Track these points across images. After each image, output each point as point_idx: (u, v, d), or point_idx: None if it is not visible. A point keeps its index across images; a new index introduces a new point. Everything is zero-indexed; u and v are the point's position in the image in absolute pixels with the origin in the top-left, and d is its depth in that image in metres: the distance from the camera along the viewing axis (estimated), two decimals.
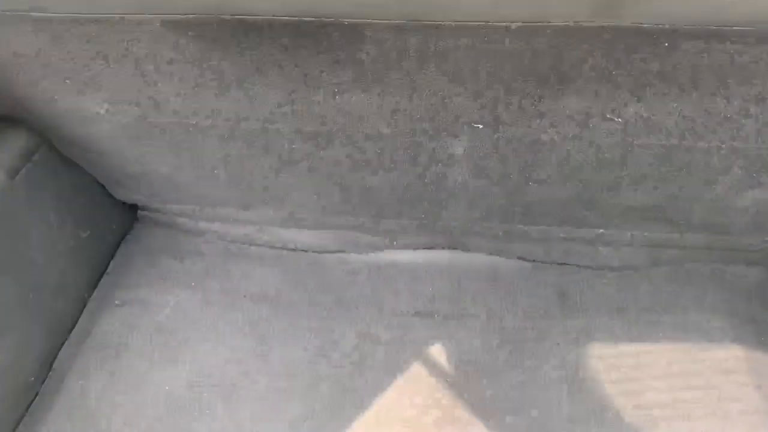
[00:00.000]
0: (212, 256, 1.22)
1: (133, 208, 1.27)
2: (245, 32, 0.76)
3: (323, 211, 1.12)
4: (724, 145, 0.83)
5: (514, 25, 0.71)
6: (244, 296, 1.15)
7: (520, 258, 1.20)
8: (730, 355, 1.03)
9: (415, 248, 1.22)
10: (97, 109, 0.87)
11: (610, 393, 0.99)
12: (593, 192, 0.98)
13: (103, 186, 1.16)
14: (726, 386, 0.99)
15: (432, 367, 1.05)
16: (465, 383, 1.02)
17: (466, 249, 1.21)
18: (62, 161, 1.04)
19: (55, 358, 1.03)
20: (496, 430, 0.96)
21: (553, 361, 1.04)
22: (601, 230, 1.10)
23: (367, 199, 1.07)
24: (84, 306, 1.11)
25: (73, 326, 1.08)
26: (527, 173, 0.95)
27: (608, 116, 0.80)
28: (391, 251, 1.23)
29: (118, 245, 1.22)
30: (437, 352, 1.07)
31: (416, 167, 0.96)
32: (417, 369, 1.05)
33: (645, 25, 0.70)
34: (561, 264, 1.18)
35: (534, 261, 1.20)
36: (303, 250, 1.23)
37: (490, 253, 1.21)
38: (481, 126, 0.84)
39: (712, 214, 1.01)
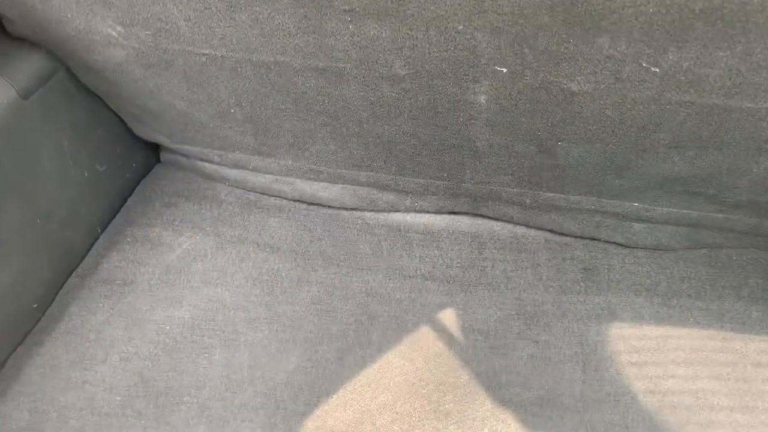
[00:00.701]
0: (230, 203, 1.20)
1: (156, 150, 1.26)
2: None
3: (342, 163, 1.08)
4: None
5: None
6: (258, 245, 1.12)
7: (546, 230, 1.13)
8: (766, 348, 0.94)
9: (436, 212, 1.17)
10: (109, 31, 0.85)
11: (628, 375, 0.92)
12: (627, 157, 0.90)
13: (124, 123, 1.15)
14: (757, 380, 0.91)
15: (440, 332, 1.00)
16: (473, 352, 0.97)
17: (489, 216, 1.15)
18: (80, 90, 1.02)
19: (60, 288, 1.03)
20: (501, 401, 0.90)
21: (570, 337, 0.98)
22: (636, 204, 1.02)
23: (387, 152, 1.02)
24: (95, 240, 1.10)
25: (82, 259, 1.07)
26: (556, 130, 0.88)
27: (644, 64, 0.72)
28: (410, 214, 1.18)
29: (137, 184, 1.21)
30: (448, 317, 1.02)
31: (436, 117, 0.90)
32: (424, 333, 1.00)
33: None
34: (591, 239, 1.11)
35: (562, 234, 1.13)
36: (320, 205, 1.19)
37: (515, 223, 1.14)
38: (504, 70, 0.78)
39: (759, 191, 0.91)
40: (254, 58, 0.85)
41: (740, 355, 0.94)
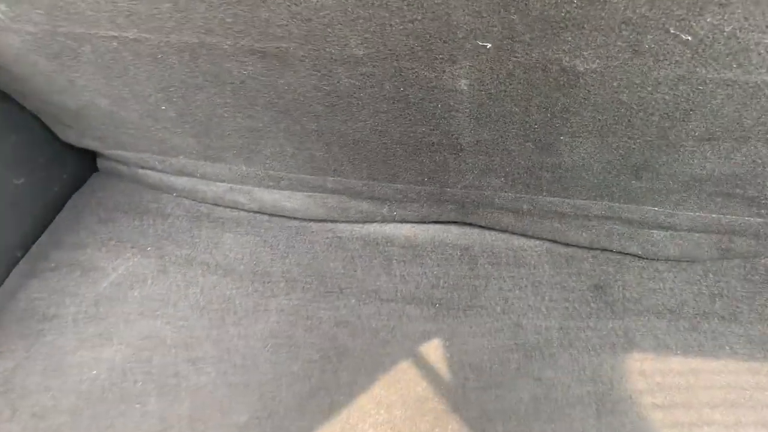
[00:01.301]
0: (177, 217, 1.02)
1: (92, 158, 1.09)
2: None
3: (303, 168, 0.91)
4: None
5: None
6: (208, 266, 0.95)
7: (548, 240, 0.96)
8: None
9: (419, 221, 0.99)
10: None
11: (653, 421, 0.75)
12: (646, 153, 0.72)
13: (48, 128, 0.97)
14: None
15: (424, 369, 0.83)
16: (463, 393, 0.80)
17: (481, 225, 0.97)
18: None
19: None
20: None
21: (581, 373, 0.80)
22: (656, 208, 0.84)
23: (354, 153, 0.85)
24: (13, 266, 0.93)
25: None
26: (557, 122, 0.70)
27: (672, 31, 0.55)
28: (389, 224, 1.00)
29: (68, 198, 1.04)
30: (433, 351, 0.85)
31: (408, 109, 0.73)
32: (405, 371, 0.83)
33: None
34: (601, 250, 0.93)
35: (567, 245, 0.95)
36: (283, 216, 1.02)
37: (512, 232, 0.97)
38: (488, 45, 0.60)
39: None
40: (173, 40, 0.68)
41: None
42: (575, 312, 0.87)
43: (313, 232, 1.00)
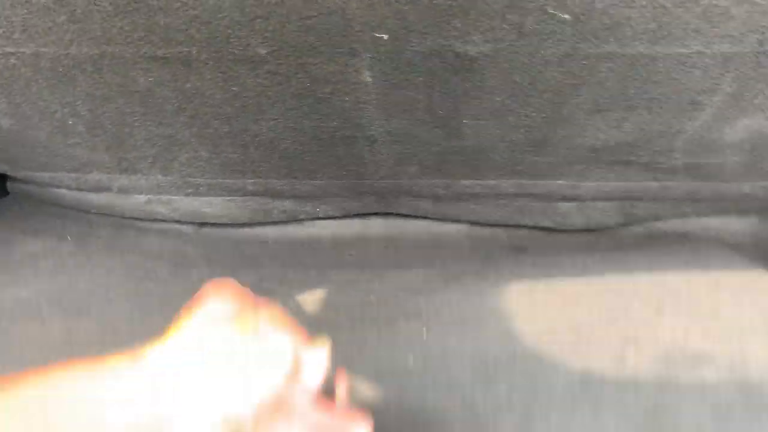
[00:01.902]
0: (94, 236, 1.00)
1: (2, 181, 1.05)
2: None
3: (221, 172, 0.91)
4: (709, 51, 0.63)
5: None
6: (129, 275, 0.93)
7: (467, 222, 1.00)
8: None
9: (343, 216, 1.01)
10: None
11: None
12: (544, 129, 0.77)
13: None
14: None
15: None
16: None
17: (402, 214, 1.00)
18: None
19: None
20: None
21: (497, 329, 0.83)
22: (561, 181, 0.89)
23: (270, 153, 0.86)
24: None
25: None
26: (459, 106, 0.74)
27: (550, 10, 0.59)
28: (315, 223, 1.02)
29: None
30: None
31: (318, 104, 0.74)
32: None
33: None
34: (515, 227, 0.98)
35: (485, 225, 0.99)
36: (207, 224, 1.01)
37: (432, 218, 1.00)
38: (385, 36, 0.63)
39: (696, 152, 0.80)
40: (74, 52, 0.67)
41: None
42: (492, 278, 0.90)
43: (237, 239, 1.00)
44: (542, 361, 0.71)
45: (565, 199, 0.92)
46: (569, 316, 0.77)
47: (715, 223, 0.96)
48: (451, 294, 0.81)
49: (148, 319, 0.85)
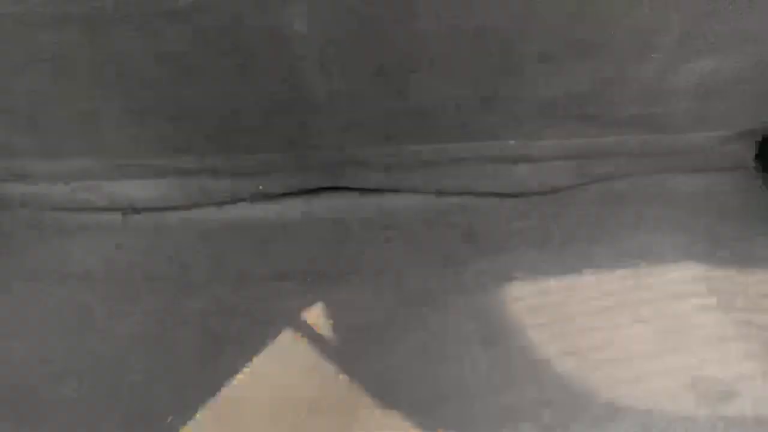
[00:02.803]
0: (18, 230, 0.92)
1: None
2: None
3: (152, 150, 0.85)
4: None
5: None
6: (59, 278, 0.86)
7: (420, 193, 0.95)
8: (684, 276, 0.82)
9: (287, 193, 0.95)
10: None
11: (537, 340, 0.76)
12: (493, 82, 0.74)
13: None
14: (682, 314, 0.78)
15: (310, 339, 0.80)
16: (353, 354, 0.77)
17: (353, 188, 0.96)
18: None
19: None
20: (393, 406, 0.71)
21: (465, 313, 0.80)
22: (513, 141, 0.86)
23: (203, 124, 0.80)
24: None
25: None
26: (404, 59, 0.70)
27: None
28: (258, 204, 0.96)
29: None
30: (316, 320, 0.81)
31: (252, 64, 0.69)
32: (289, 345, 0.79)
33: None
34: (470, 195, 0.94)
35: (438, 195, 0.95)
36: (140, 210, 0.94)
37: (384, 190, 0.96)
38: None
39: (645, 101, 0.78)
40: None
41: (656, 290, 0.81)
42: (452, 260, 0.87)
43: (174, 223, 0.94)
44: None
45: (520, 160, 0.89)
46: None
47: (668, 180, 0.95)
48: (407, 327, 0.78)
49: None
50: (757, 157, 0.95)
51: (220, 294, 0.84)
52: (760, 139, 0.92)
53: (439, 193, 0.95)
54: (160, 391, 0.74)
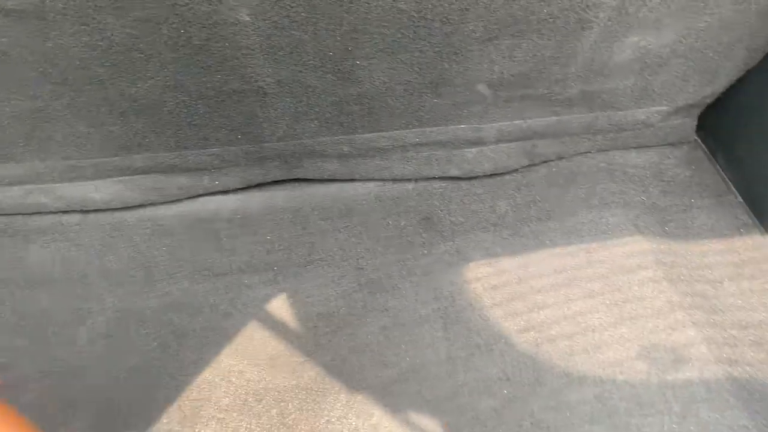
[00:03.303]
0: None
1: None
2: None
3: (104, 149, 0.84)
4: None
5: None
6: (16, 284, 0.85)
7: (376, 179, 0.97)
8: (633, 250, 0.85)
9: (244, 186, 0.96)
10: None
11: (494, 318, 0.78)
12: (438, 66, 0.75)
13: None
14: (631, 286, 0.80)
15: (273, 329, 0.80)
16: (315, 341, 0.78)
17: (309, 179, 0.96)
18: None
19: None
20: (357, 389, 0.72)
21: (424, 295, 0.82)
22: (463, 125, 0.88)
23: (154, 120, 0.80)
24: None
25: None
26: (349, 44, 0.71)
27: None
28: (214, 198, 0.96)
29: None
30: (278, 310, 0.82)
31: (198, 54, 0.69)
32: (252, 336, 0.79)
33: None
34: (424, 180, 0.96)
35: (394, 181, 0.96)
36: (96, 211, 0.94)
37: (341, 180, 0.97)
38: None
39: (589, 77, 0.81)
40: None
41: (607, 264, 0.83)
42: (409, 245, 0.88)
43: (130, 224, 0.93)
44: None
45: (471, 143, 0.90)
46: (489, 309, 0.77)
47: (615, 157, 0.97)
48: (367, 310, 0.79)
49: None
50: (698, 130, 0.99)
51: (181, 290, 0.83)
52: (699, 113, 0.96)
53: (394, 179, 0.96)
54: (123, 393, 0.73)
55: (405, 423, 0.69)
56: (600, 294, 0.79)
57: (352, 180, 0.96)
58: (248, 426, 0.69)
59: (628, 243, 0.85)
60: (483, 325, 0.77)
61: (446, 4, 0.66)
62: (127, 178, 0.90)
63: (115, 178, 0.90)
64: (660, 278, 0.80)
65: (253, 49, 0.70)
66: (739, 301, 0.78)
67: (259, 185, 0.96)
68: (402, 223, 0.92)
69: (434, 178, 0.95)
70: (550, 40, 0.72)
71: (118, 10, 0.62)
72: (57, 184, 0.90)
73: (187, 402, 0.72)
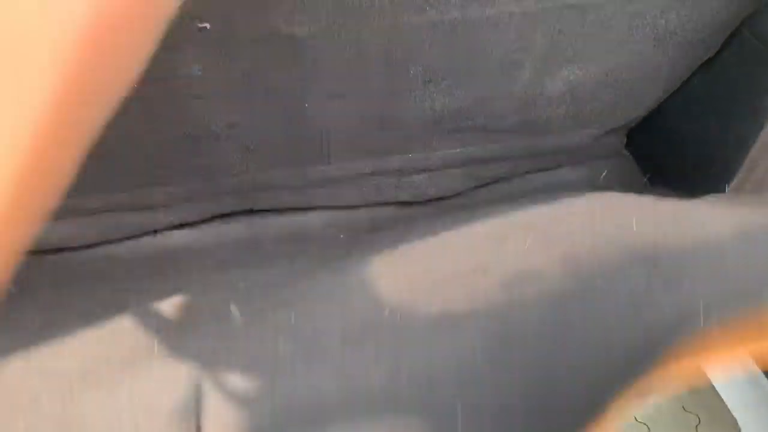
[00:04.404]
0: None
1: None
2: None
3: None
4: (518, 10, 0.67)
5: None
6: None
7: (329, 207, 1.00)
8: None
9: (199, 219, 0.98)
10: None
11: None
12: (384, 103, 0.79)
13: None
14: None
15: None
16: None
17: (260, 208, 0.99)
18: None
19: None
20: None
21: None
22: (410, 155, 0.92)
23: (106, 161, 0.81)
24: None
25: None
26: (297, 90, 0.74)
27: None
28: (171, 233, 0.97)
29: None
30: None
31: (149, 106, 0.71)
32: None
33: None
34: (373, 206, 1.00)
35: (347, 208, 1.00)
36: (47, 252, 0.94)
37: (296, 209, 1.00)
38: (208, 26, 0.62)
39: (525, 109, 0.86)
40: None
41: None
42: (358, 242, 0.92)
43: (87, 260, 0.94)
44: (405, 316, 0.72)
45: (418, 171, 0.95)
46: (425, 270, 0.78)
47: (552, 177, 1.04)
48: (317, 279, 0.81)
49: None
50: (627, 144, 1.07)
51: (140, 332, 0.85)
52: (627, 132, 1.03)
53: (348, 207, 1.00)
54: None
55: None
56: None
57: (305, 209, 0.99)
58: None
59: None
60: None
61: (388, 53, 0.70)
62: (80, 218, 0.91)
63: (70, 219, 0.91)
64: None
65: (205, 98, 0.72)
66: None
67: (213, 217, 0.98)
68: (349, 245, 0.96)
69: (385, 203, 0.99)
70: (486, 81, 0.77)
71: None
72: None
73: None
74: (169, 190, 0.90)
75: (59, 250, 0.94)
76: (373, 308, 0.74)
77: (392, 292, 0.75)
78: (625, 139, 1.04)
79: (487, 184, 1.01)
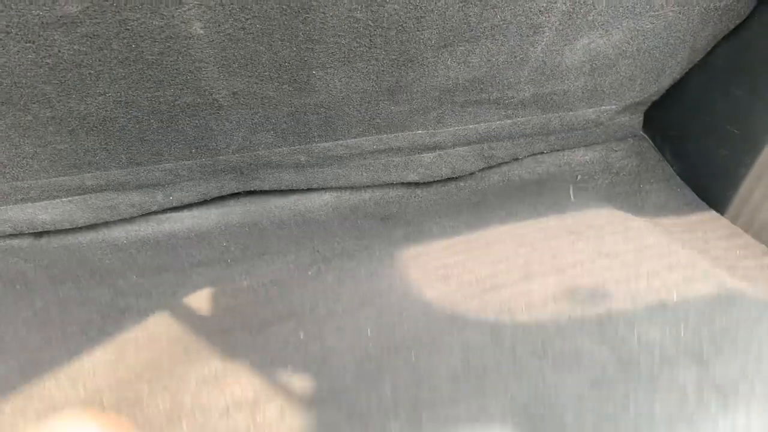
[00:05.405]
0: None
1: None
2: None
3: (53, 168, 0.81)
4: None
5: None
6: None
7: (334, 188, 0.96)
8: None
9: (199, 200, 0.94)
10: None
11: (437, 304, 0.77)
12: (395, 72, 0.75)
13: None
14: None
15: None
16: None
17: (263, 189, 0.95)
18: None
19: None
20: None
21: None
22: (420, 131, 0.88)
23: (105, 137, 0.77)
24: None
25: None
26: (305, 55, 0.70)
27: None
28: (169, 215, 0.94)
29: None
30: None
31: (149, 69, 0.68)
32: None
33: None
34: (382, 186, 0.96)
35: (352, 190, 0.96)
36: (45, 233, 0.90)
37: (298, 191, 0.96)
38: None
39: (541, 80, 0.82)
40: None
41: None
42: (365, 234, 0.88)
43: (82, 246, 0.90)
44: (423, 349, 0.68)
45: (427, 148, 0.91)
46: (444, 292, 0.75)
47: (565, 158, 1.00)
48: (324, 284, 0.78)
49: None
50: (645, 126, 1.02)
51: (143, 314, 0.81)
52: (645, 109, 0.99)
53: (352, 188, 0.96)
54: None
55: None
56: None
57: (309, 190, 0.95)
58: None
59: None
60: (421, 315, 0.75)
61: (402, 14, 0.66)
62: (76, 197, 0.87)
63: (64, 198, 0.87)
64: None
65: (207, 62, 0.68)
66: None
67: (214, 200, 0.94)
68: (359, 222, 0.92)
69: (392, 184, 0.95)
70: (504, 45, 0.73)
71: (65, 27, 0.60)
72: (4, 207, 0.86)
73: None
74: (168, 167, 0.86)
75: (52, 233, 0.90)
76: (386, 334, 0.69)
77: (407, 318, 0.71)
78: (642, 119, 1.00)
79: (499, 164, 0.97)
